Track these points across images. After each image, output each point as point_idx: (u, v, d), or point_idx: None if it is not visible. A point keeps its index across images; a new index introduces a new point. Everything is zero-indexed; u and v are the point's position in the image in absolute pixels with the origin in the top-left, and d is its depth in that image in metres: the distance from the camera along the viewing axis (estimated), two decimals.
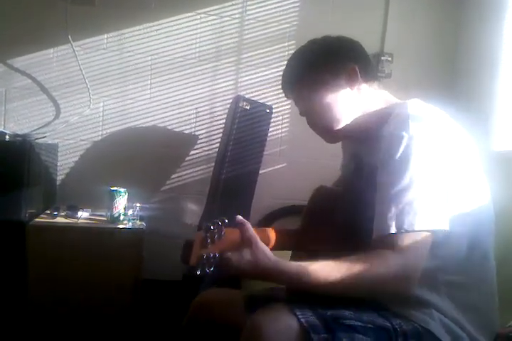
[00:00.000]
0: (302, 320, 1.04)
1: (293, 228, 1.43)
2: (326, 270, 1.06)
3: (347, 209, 1.26)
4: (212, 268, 1.06)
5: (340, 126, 1.29)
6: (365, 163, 1.27)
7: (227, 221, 1.08)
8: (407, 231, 1.07)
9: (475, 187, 1.20)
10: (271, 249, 1.26)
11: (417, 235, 1.08)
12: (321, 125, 1.32)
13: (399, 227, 1.08)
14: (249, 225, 1.10)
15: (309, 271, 1.05)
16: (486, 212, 1.23)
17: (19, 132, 2.47)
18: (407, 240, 1.07)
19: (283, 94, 1.38)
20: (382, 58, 2.76)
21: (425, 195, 1.08)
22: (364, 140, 1.31)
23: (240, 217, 1.11)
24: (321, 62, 1.28)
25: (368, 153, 1.28)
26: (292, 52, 1.35)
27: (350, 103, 1.28)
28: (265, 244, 1.22)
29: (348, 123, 1.28)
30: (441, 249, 1.14)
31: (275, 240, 1.28)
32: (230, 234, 1.11)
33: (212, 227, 1.05)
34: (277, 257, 1.07)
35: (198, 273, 1.04)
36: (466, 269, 1.18)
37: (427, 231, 1.08)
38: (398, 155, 1.10)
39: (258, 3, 2.76)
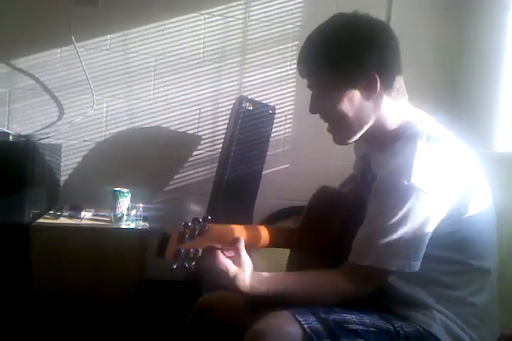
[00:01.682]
0: (305, 326, 1.05)
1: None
2: (283, 293, 1.14)
3: (350, 210, 1.27)
4: (193, 263, 1.07)
5: (350, 133, 1.23)
6: (371, 171, 1.27)
7: (209, 217, 1.08)
8: (372, 266, 1.11)
9: (476, 220, 1.19)
10: (264, 246, 1.26)
11: (379, 271, 1.12)
12: (330, 124, 1.26)
13: (369, 260, 1.11)
14: (244, 253, 1.13)
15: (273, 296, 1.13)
16: (488, 241, 1.23)
17: (23, 133, 2.47)
18: (368, 273, 1.12)
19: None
20: None
21: (404, 238, 1.10)
22: (373, 149, 1.29)
23: (235, 240, 1.14)
24: (339, 64, 1.17)
25: (372, 165, 1.28)
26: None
27: (363, 113, 1.20)
28: (255, 241, 1.24)
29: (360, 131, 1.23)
30: (432, 265, 1.15)
31: (269, 238, 1.27)
32: (215, 230, 1.11)
33: (190, 224, 1.05)
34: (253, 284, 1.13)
35: (175, 267, 1.05)
36: (458, 283, 1.19)
37: (391, 270, 1.12)
38: (392, 200, 1.11)
39: (262, 3, 2.75)
